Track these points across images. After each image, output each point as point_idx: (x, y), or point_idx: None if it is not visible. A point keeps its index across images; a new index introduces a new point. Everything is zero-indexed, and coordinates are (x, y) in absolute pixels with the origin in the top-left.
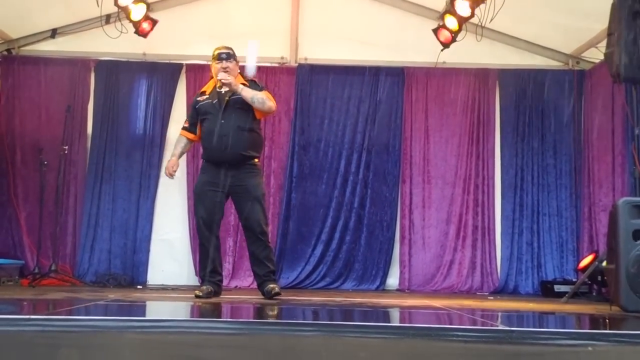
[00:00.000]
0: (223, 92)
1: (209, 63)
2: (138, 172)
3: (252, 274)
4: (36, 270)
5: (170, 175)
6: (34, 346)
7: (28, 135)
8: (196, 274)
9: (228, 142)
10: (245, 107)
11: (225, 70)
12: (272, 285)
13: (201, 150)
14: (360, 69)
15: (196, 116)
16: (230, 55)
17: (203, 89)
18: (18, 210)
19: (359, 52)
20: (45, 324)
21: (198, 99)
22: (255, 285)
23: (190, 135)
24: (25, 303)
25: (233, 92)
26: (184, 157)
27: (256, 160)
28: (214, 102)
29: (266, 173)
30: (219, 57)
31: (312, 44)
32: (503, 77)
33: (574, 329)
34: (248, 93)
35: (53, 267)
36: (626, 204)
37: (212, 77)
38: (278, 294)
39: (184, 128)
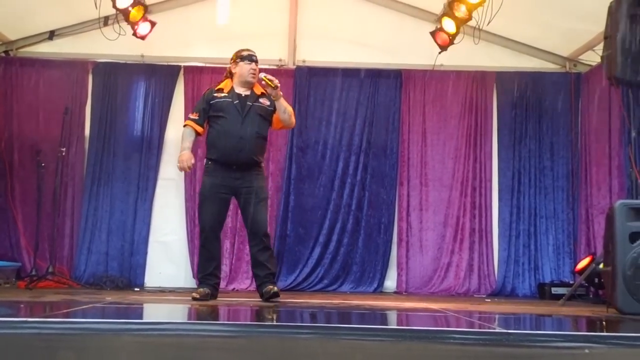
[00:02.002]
0: (244, 95)
1: (207, 65)
2: (136, 174)
3: (249, 276)
4: (33, 272)
5: (188, 169)
6: (30, 349)
7: (26, 137)
8: (194, 276)
9: (244, 146)
10: (265, 114)
11: (254, 72)
12: (271, 286)
13: (199, 151)
14: (358, 72)
15: (208, 110)
16: (257, 59)
17: (220, 86)
18: (15, 212)
19: (357, 55)
20: (42, 326)
21: (215, 94)
22: (253, 287)
23: (199, 128)
24: (22, 305)
25: (255, 99)
26: None
27: (262, 163)
28: (235, 102)
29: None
30: (249, 58)
31: (310, 46)
32: (500, 79)
33: (571, 332)
34: (284, 102)
35: (50, 269)
36: (623, 207)
37: (227, 77)
38: (276, 294)
39: (192, 120)
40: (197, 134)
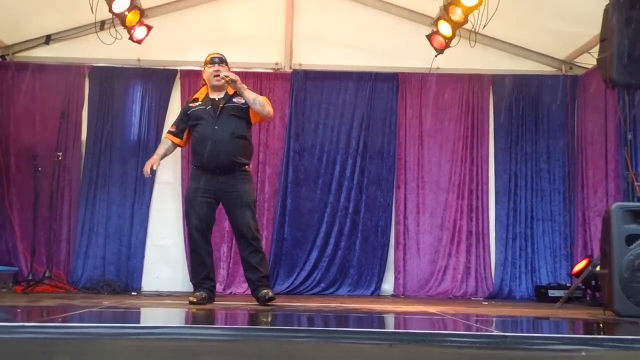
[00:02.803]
0: (217, 99)
1: (203, 69)
2: (132, 178)
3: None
4: (30, 277)
5: (148, 172)
6: (27, 353)
7: (22, 141)
8: (191, 280)
9: (221, 148)
10: (240, 114)
11: (217, 73)
12: (265, 291)
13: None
14: (355, 75)
15: (186, 122)
16: (222, 60)
17: (195, 96)
18: (12, 217)
19: (353, 58)
20: (39, 331)
21: (190, 105)
22: (250, 291)
23: (176, 140)
24: (18, 310)
25: (227, 99)
26: (179, 163)
27: (247, 166)
28: (207, 108)
29: (261, 179)
30: (211, 61)
31: (306, 50)
32: (497, 82)
33: (568, 334)
34: (250, 94)
35: (47, 274)
36: (619, 209)
37: (203, 85)
38: (272, 298)
39: (170, 132)
40: (174, 144)
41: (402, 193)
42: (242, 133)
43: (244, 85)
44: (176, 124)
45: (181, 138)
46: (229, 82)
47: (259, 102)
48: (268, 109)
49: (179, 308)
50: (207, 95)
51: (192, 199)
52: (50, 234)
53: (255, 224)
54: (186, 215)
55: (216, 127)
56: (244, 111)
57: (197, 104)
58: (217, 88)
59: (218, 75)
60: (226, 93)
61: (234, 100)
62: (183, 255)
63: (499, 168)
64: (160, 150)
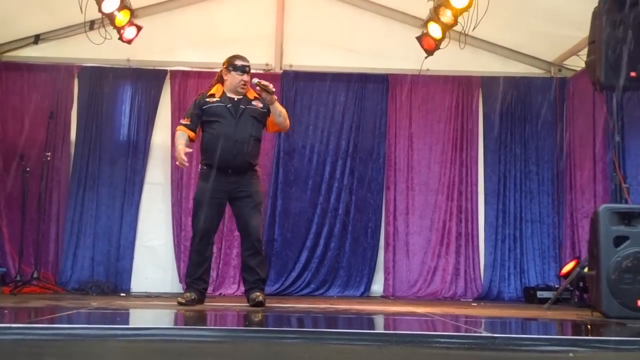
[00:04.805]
0: (236, 99)
1: (194, 69)
2: (122, 179)
3: (236, 281)
4: (18, 278)
5: (184, 160)
6: (15, 355)
7: (10, 141)
8: (180, 281)
9: (239, 149)
10: (259, 117)
11: (244, 84)
12: (257, 294)
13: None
14: (345, 76)
15: (200, 116)
16: (249, 70)
17: (211, 92)
18: (0, 218)
19: (344, 59)
20: (27, 332)
21: (207, 99)
22: (240, 292)
23: (191, 134)
24: (6, 311)
25: (247, 102)
26: (168, 164)
27: (257, 167)
28: (228, 106)
29: None
30: (242, 69)
31: (297, 50)
32: (486, 84)
33: (556, 335)
34: (279, 107)
35: (35, 275)
36: (607, 211)
37: (217, 82)
38: (261, 303)
39: (183, 125)
40: (191, 139)
41: (391, 194)
42: (259, 136)
43: (276, 97)
44: (190, 117)
45: (195, 132)
46: (268, 91)
47: (283, 116)
48: (287, 122)
49: (167, 309)
50: (224, 93)
51: (202, 199)
52: (39, 234)
53: (261, 226)
54: (194, 214)
55: (237, 127)
56: (263, 116)
57: (214, 99)
58: (236, 93)
59: (245, 86)
60: (245, 95)
61: (253, 103)
62: (172, 256)
63: (488, 170)
64: (183, 140)
